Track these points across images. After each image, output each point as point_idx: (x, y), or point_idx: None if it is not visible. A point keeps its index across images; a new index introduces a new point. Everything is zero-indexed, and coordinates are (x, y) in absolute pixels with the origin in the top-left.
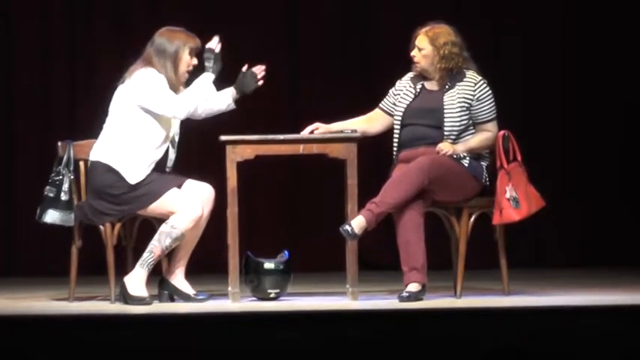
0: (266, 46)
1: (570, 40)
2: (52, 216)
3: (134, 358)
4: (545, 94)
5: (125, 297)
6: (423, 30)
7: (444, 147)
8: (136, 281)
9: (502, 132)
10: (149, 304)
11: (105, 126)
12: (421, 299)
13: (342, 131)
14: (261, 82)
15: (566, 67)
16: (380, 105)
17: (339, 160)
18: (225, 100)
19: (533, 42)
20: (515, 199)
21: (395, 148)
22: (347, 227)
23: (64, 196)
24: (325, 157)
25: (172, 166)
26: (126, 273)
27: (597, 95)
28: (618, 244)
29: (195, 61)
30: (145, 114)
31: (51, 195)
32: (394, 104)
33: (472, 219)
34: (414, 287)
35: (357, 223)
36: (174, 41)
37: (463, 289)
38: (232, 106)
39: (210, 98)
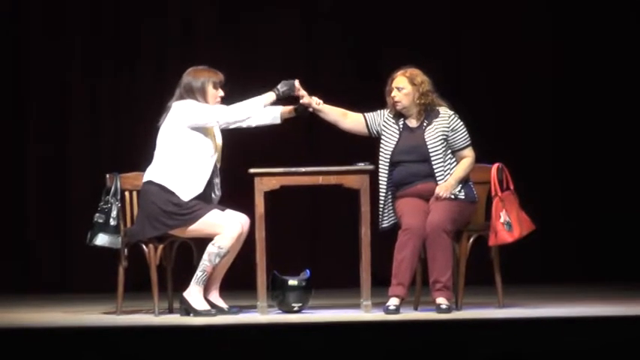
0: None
1: (560, 73)
2: (102, 239)
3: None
4: (537, 127)
5: (189, 311)
6: (399, 72)
7: (442, 192)
8: (197, 297)
9: (497, 164)
10: (214, 315)
11: (155, 154)
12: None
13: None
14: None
15: (556, 101)
16: (365, 114)
17: (353, 190)
18: (272, 115)
19: (525, 73)
20: (508, 224)
21: (383, 184)
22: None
23: (112, 222)
24: (341, 187)
25: (219, 192)
26: (166, 290)
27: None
28: (604, 261)
29: (221, 92)
30: (190, 138)
31: (100, 221)
32: (378, 132)
33: (470, 241)
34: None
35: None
36: (199, 78)
37: (463, 302)
38: (278, 120)
39: (258, 114)
